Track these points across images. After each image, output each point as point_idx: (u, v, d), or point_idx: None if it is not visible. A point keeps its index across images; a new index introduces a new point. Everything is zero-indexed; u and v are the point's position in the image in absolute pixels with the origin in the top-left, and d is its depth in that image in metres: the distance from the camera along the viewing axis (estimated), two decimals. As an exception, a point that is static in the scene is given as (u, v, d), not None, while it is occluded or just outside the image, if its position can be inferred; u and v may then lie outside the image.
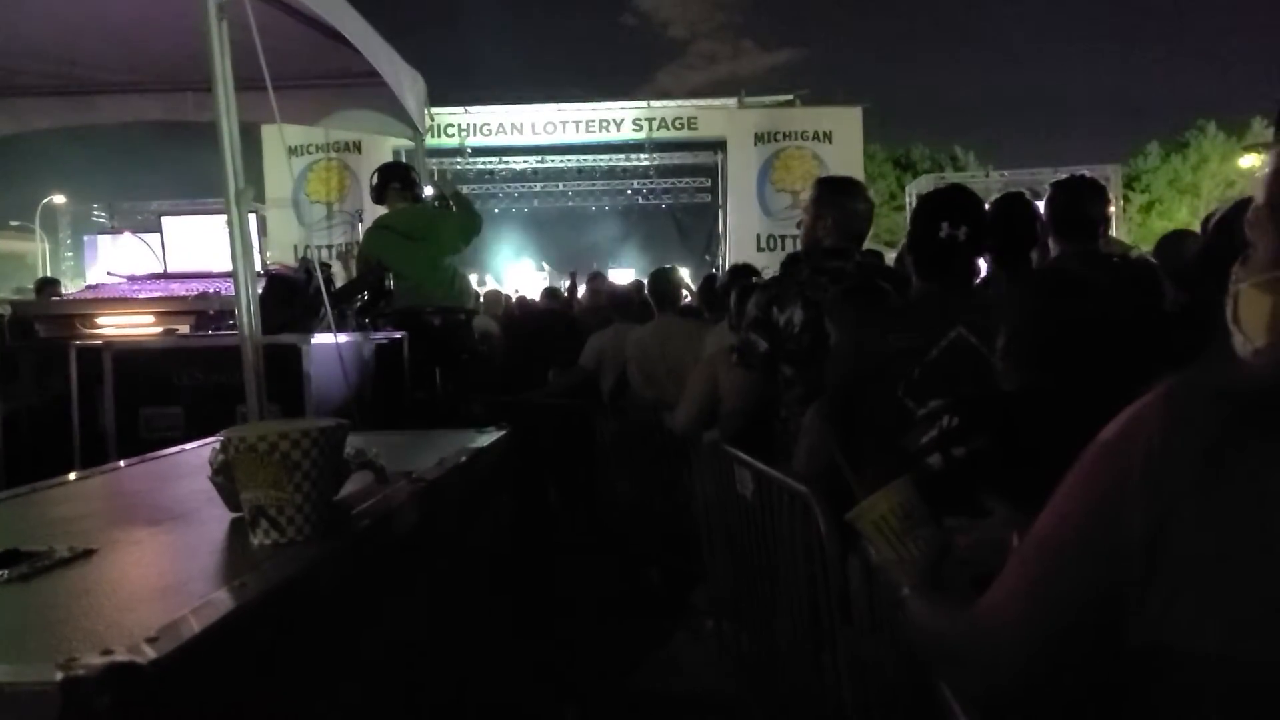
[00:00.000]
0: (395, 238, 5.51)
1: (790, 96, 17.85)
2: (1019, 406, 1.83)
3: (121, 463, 2.32)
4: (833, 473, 2.86)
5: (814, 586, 2.70)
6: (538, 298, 10.23)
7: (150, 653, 0.90)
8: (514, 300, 11.24)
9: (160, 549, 1.42)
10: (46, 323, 4.31)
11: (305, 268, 4.74)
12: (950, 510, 1.63)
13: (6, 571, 1.21)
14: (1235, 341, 1.06)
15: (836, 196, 3.53)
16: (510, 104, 18.11)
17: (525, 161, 19.28)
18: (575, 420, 5.84)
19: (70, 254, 18.59)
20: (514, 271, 21.54)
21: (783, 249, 14.82)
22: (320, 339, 3.72)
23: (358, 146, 15.24)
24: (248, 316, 3.36)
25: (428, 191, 6.07)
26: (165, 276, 5.17)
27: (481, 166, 19.07)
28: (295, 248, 14.24)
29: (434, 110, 6.94)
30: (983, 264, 3.36)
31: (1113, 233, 5.44)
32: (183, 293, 4.50)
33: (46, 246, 22.14)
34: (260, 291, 3.62)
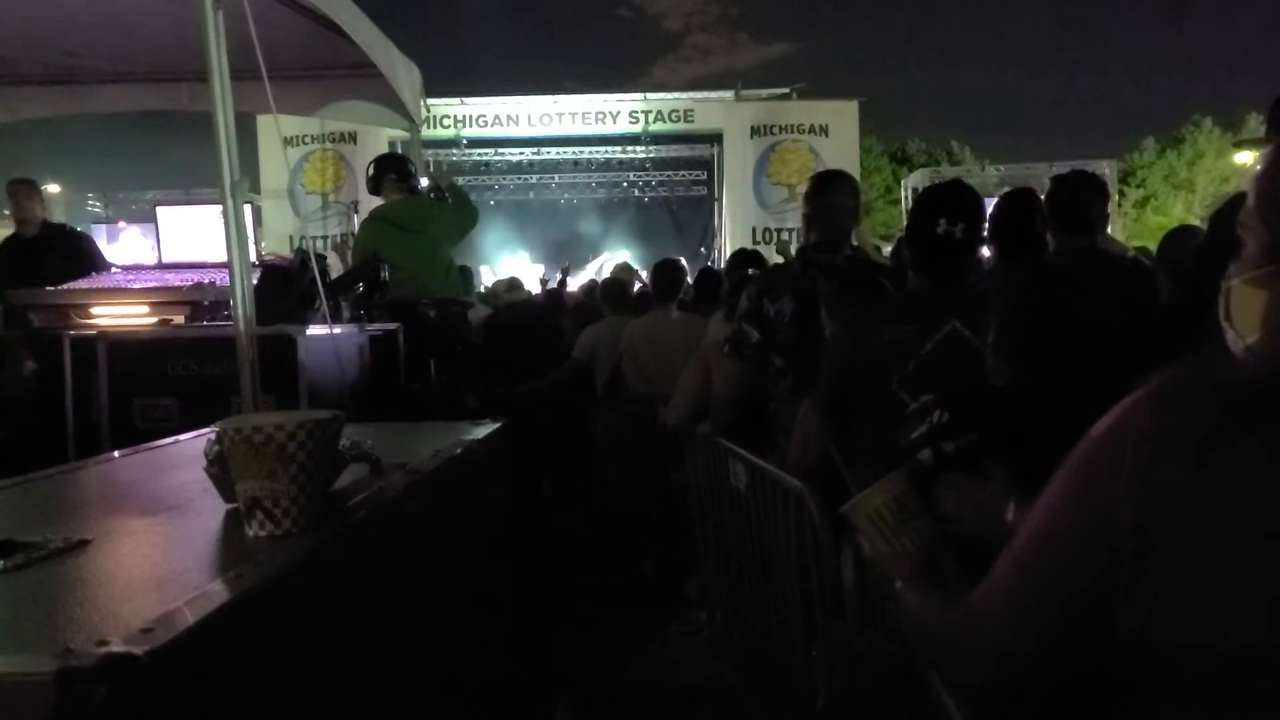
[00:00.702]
0: (391, 229, 5.51)
1: (787, 90, 17.82)
2: (1009, 401, 1.84)
3: (116, 453, 2.31)
4: (826, 465, 2.89)
5: (806, 579, 2.71)
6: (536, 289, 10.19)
7: (146, 643, 0.89)
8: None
9: (155, 540, 1.42)
10: (40, 312, 4.30)
11: (300, 259, 4.73)
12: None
13: (1, 562, 1.21)
14: (1228, 338, 1.07)
15: (817, 194, 3.63)
16: (506, 96, 18.08)
17: (521, 153, 19.26)
18: (569, 413, 5.84)
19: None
20: (508, 263, 21.52)
21: (777, 242, 14.81)
22: (315, 330, 3.71)
23: (353, 137, 15.19)
24: (243, 307, 3.36)
25: (423, 183, 6.07)
26: (160, 267, 5.17)
27: (477, 158, 19.04)
28: (291, 238, 14.21)
29: (430, 101, 6.94)
30: (986, 252, 3.38)
31: (1108, 228, 5.45)
32: (178, 283, 4.49)
33: (41, 236, 22.02)
34: (255, 282, 3.62)
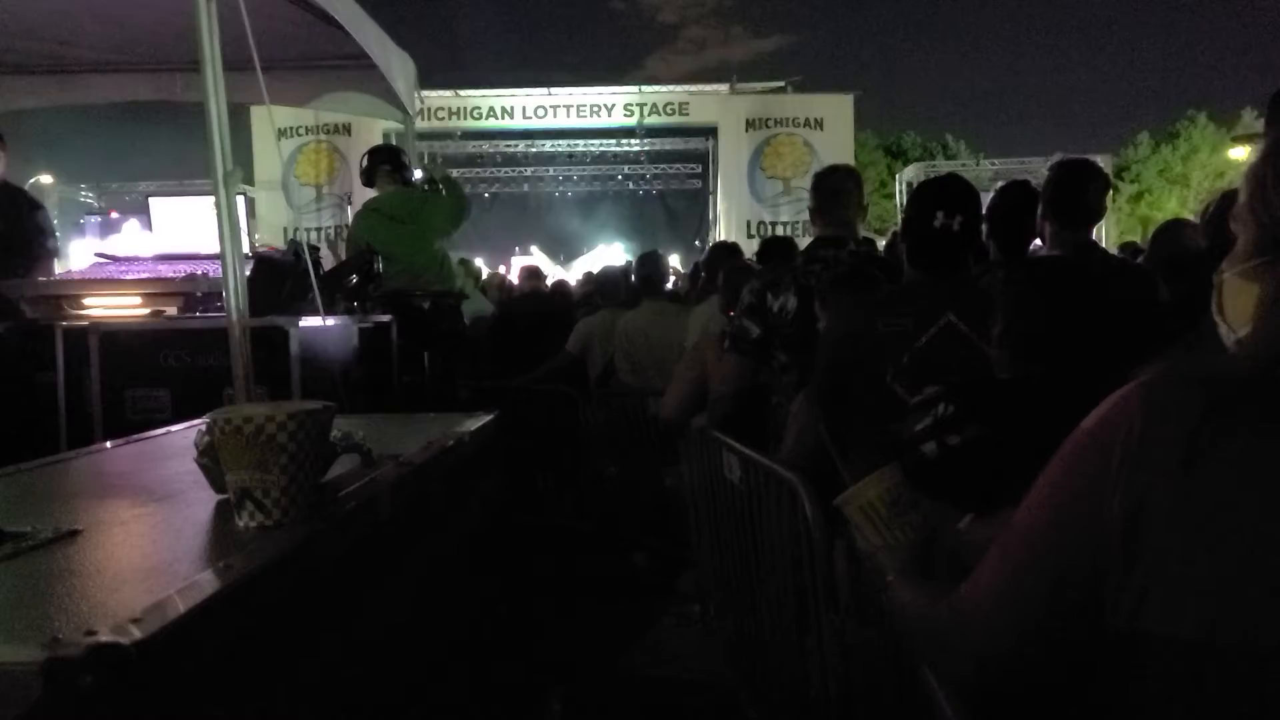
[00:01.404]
0: (384, 220, 5.51)
1: (782, 83, 17.79)
2: (1015, 394, 1.83)
3: (108, 444, 2.31)
4: (820, 457, 2.88)
5: (800, 571, 2.71)
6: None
7: (134, 633, 0.89)
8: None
9: (145, 530, 1.42)
10: (32, 303, 4.28)
11: (294, 250, 4.72)
12: (945, 498, 1.63)
13: (-9, 552, 1.21)
14: (1221, 331, 1.07)
15: (818, 186, 3.65)
16: (501, 88, 18.04)
17: (515, 145, 19.21)
18: (562, 405, 5.84)
19: (58, 234, 18.45)
20: (502, 256, 21.49)
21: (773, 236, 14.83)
22: (308, 322, 3.71)
23: (347, 129, 15.16)
24: (235, 299, 3.35)
25: (416, 175, 6.06)
26: (153, 258, 5.15)
27: (472, 150, 18.99)
28: (284, 230, 14.19)
29: (424, 93, 6.91)
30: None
31: (1102, 222, 5.42)
32: (170, 274, 4.48)
33: (33, 227, 21.97)
34: (248, 274, 3.61)
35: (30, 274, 4.59)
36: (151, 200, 5.78)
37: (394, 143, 8.22)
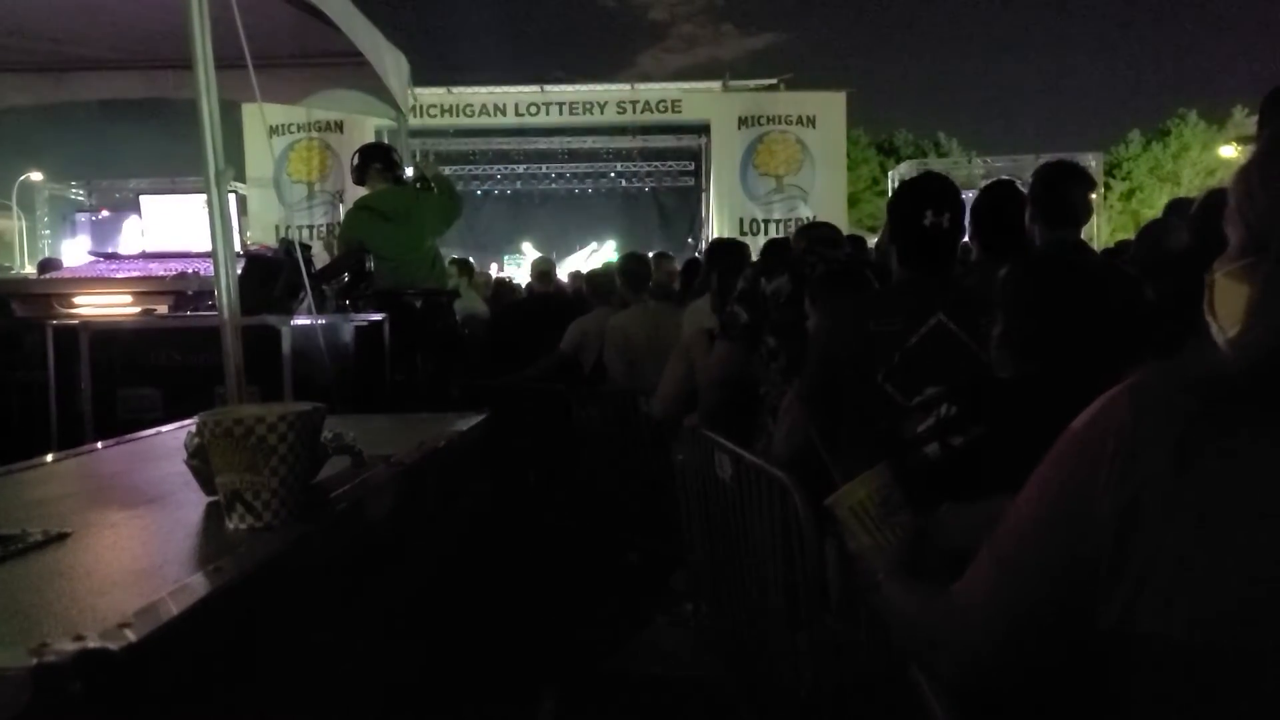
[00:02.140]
0: (376, 219, 5.49)
1: (774, 81, 17.80)
2: (1018, 395, 1.83)
3: (98, 444, 2.30)
4: (810, 455, 2.89)
5: (791, 570, 2.71)
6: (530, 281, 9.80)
7: (124, 638, 0.89)
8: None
9: (135, 532, 1.41)
10: (23, 302, 4.27)
11: (285, 248, 4.71)
12: (947, 499, 1.62)
13: (-20, 554, 1.21)
14: (1212, 331, 1.07)
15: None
16: (494, 85, 18.01)
17: (508, 143, 19.19)
18: (555, 404, 5.84)
19: (48, 232, 18.39)
20: (493, 254, 21.46)
21: (765, 233, 14.82)
22: (300, 320, 3.70)
23: (340, 126, 15.13)
24: (227, 297, 3.34)
25: (408, 173, 6.05)
26: (144, 256, 5.14)
27: (464, 147, 18.96)
28: (276, 228, 14.13)
29: (416, 90, 6.89)
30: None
31: (1093, 220, 5.43)
32: (161, 272, 4.48)
33: (24, 224, 21.93)
34: (240, 272, 3.60)
35: None
36: (142, 198, 5.76)
37: (386, 140, 8.20)
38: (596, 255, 21.14)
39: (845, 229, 7.73)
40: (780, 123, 16.48)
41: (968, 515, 1.50)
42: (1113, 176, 33.25)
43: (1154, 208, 31.24)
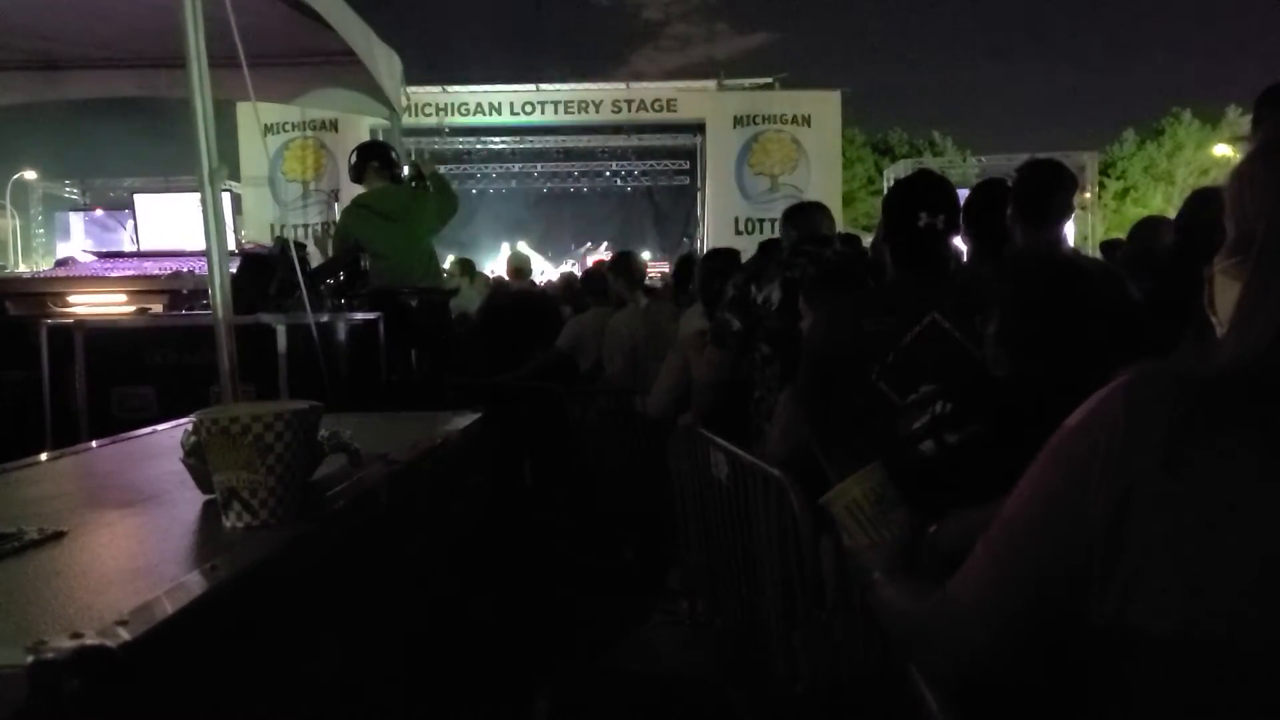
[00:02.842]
0: (374, 217, 5.49)
1: (769, 80, 17.82)
2: (1013, 392, 1.84)
3: (93, 443, 2.30)
4: (806, 454, 2.89)
5: (787, 568, 2.72)
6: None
7: (121, 636, 0.89)
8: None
9: (132, 531, 1.41)
10: (17, 300, 4.27)
11: (280, 247, 4.71)
12: (943, 497, 1.63)
13: (-24, 553, 1.21)
14: (1215, 325, 1.08)
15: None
16: (488, 84, 18.00)
17: (503, 142, 19.19)
18: (551, 402, 5.84)
19: (42, 231, 18.36)
20: (489, 252, 21.46)
21: (760, 232, 14.83)
22: (295, 319, 3.70)
23: (334, 125, 15.12)
24: (221, 296, 3.34)
25: (404, 171, 6.05)
26: (138, 255, 5.13)
27: (459, 146, 18.96)
28: (271, 227, 14.14)
29: (411, 89, 6.89)
30: (960, 245, 3.38)
31: (1087, 219, 5.46)
32: (156, 271, 4.48)
33: (18, 223, 21.89)
34: (234, 271, 3.60)
35: None
36: (136, 197, 5.76)
37: (381, 139, 8.20)
38: (591, 254, 21.14)
39: (840, 228, 7.74)
40: (775, 122, 16.50)
41: (971, 520, 1.51)
42: (1107, 175, 33.31)
43: (1148, 207, 31.33)
